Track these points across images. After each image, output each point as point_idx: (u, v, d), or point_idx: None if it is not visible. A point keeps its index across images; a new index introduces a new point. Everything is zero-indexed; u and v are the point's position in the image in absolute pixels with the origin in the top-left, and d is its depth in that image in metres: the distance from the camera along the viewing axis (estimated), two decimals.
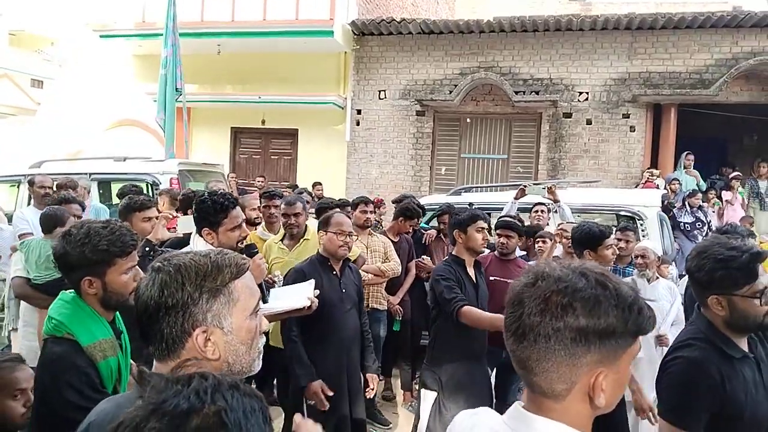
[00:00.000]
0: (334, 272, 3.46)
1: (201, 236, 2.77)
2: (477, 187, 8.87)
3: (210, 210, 2.71)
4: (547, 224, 5.71)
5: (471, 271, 3.53)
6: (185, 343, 1.19)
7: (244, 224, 2.82)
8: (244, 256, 1.43)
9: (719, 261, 1.87)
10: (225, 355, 1.21)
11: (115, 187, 7.09)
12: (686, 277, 2.44)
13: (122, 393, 1.78)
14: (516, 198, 5.65)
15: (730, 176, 9.07)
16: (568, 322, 0.99)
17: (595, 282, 1.02)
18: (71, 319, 1.85)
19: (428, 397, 3.41)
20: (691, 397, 1.85)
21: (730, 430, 1.85)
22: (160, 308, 1.18)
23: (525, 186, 5.78)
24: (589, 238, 3.68)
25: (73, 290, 1.95)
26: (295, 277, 3.39)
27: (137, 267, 2.01)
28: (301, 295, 2.93)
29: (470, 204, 6.30)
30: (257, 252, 2.93)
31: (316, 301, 2.94)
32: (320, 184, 9.57)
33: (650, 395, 3.32)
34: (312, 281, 3.13)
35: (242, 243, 2.80)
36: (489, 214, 5.79)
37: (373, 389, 3.53)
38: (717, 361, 1.88)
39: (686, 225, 8.01)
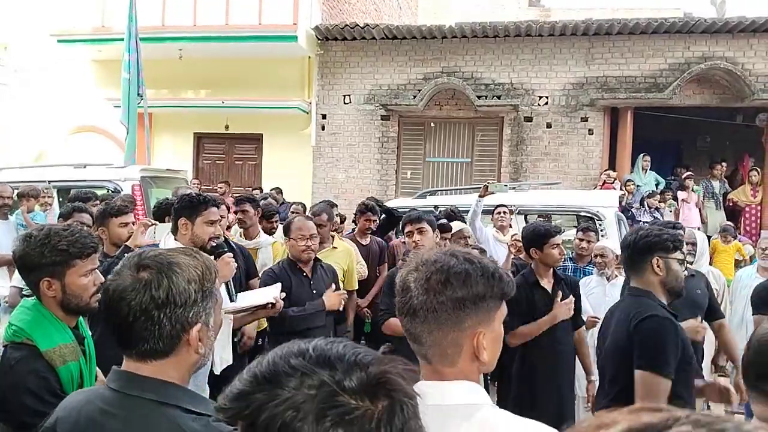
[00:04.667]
0: (304, 274, 3.52)
1: (175, 231, 2.91)
2: (442, 190, 8.98)
3: (193, 200, 2.87)
4: (510, 226, 5.85)
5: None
6: (181, 340, 1.22)
7: (218, 225, 2.93)
8: (211, 257, 1.52)
9: (658, 230, 2.40)
10: (206, 349, 1.27)
11: None
12: None
13: (88, 387, 1.78)
14: (481, 196, 5.66)
15: (683, 176, 9.38)
16: (448, 294, 1.18)
17: (464, 259, 1.22)
18: (30, 324, 1.83)
19: None
20: (668, 349, 2.18)
21: (686, 374, 2.26)
22: (164, 306, 1.19)
23: (488, 183, 5.87)
24: (534, 237, 3.66)
25: (34, 297, 1.92)
26: (265, 278, 3.47)
27: (97, 271, 1.99)
28: (267, 295, 3.01)
29: (435, 207, 6.39)
30: (226, 251, 2.97)
31: (281, 302, 3.00)
32: (278, 189, 9.18)
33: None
34: (278, 284, 3.20)
35: (214, 241, 2.88)
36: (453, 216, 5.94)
37: None
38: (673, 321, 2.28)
39: (645, 224, 8.24)
